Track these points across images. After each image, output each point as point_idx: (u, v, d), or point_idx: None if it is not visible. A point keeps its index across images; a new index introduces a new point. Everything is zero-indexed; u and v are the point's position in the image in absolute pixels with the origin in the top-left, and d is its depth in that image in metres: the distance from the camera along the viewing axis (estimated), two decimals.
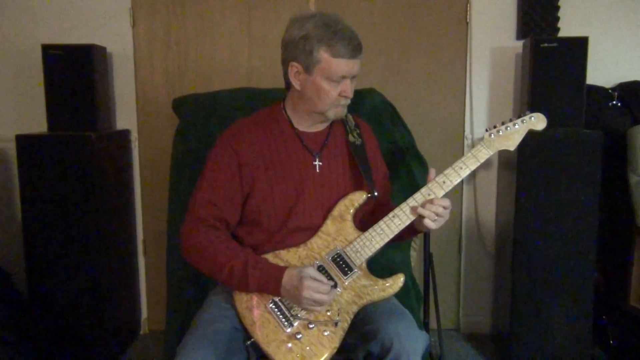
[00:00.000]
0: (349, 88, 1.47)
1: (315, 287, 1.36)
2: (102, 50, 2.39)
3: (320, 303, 1.38)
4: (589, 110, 2.33)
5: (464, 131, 2.58)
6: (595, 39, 2.25)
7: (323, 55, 1.42)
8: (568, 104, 2.19)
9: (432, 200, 1.44)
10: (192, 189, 1.53)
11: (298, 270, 1.39)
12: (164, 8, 2.52)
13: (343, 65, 1.43)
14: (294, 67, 1.47)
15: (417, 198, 1.46)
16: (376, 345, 1.34)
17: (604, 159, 2.11)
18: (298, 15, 1.47)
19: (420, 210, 1.43)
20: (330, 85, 1.45)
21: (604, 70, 2.45)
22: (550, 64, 2.19)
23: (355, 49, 1.43)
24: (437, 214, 1.43)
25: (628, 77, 2.46)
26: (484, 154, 1.49)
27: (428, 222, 1.43)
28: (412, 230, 1.52)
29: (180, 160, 2.06)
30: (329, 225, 1.51)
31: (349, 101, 1.52)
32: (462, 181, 1.49)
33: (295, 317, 1.41)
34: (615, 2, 2.47)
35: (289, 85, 1.52)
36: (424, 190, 1.47)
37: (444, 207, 1.44)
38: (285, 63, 1.50)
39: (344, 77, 1.45)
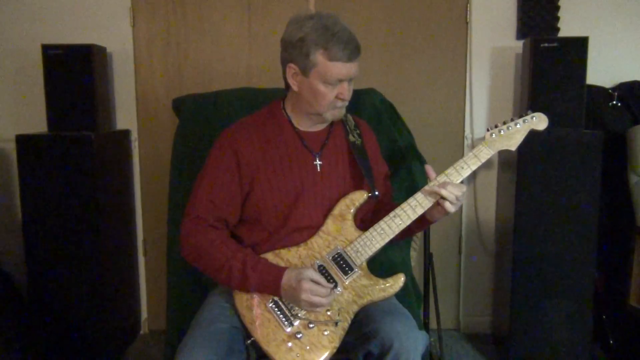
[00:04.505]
0: (345, 91, 1.47)
1: (313, 290, 1.36)
2: (102, 50, 2.39)
3: (318, 306, 1.38)
4: (589, 110, 2.33)
5: (464, 131, 2.58)
6: (595, 39, 2.25)
7: (319, 58, 1.41)
8: (568, 104, 2.19)
9: (452, 183, 1.43)
10: (192, 188, 1.53)
11: (297, 271, 1.39)
12: (164, 8, 2.52)
13: (340, 68, 1.42)
14: (292, 69, 1.47)
15: (418, 198, 1.46)
16: (376, 345, 1.34)
17: (604, 159, 2.11)
18: (297, 16, 1.47)
19: (444, 192, 1.41)
20: (327, 88, 1.45)
21: (604, 70, 2.45)
22: (550, 64, 2.19)
23: (352, 52, 1.42)
24: (456, 198, 1.42)
25: (628, 77, 2.46)
26: (485, 153, 1.48)
27: (448, 205, 1.42)
28: (422, 222, 1.51)
29: (180, 160, 2.05)
30: (329, 225, 1.51)
31: (346, 103, 1.52)
32: (462, 181, 1.49)
33: (296, 316, 1.41)
34: (615, 2, 2.47)
35: (288, 85, 1.52)
36: (440, 177, 1.46)
37: (462, 192, 1.43)
38: (283, 64, 1.50)
39: (340, 80, 1.45)
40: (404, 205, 1.47)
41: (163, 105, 2.55)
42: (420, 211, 1.46)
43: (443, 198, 1.42)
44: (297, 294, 1.37)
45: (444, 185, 1.43)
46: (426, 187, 1.46)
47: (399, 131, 2.10)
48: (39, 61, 2.26)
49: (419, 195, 1.47)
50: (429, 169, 1.49)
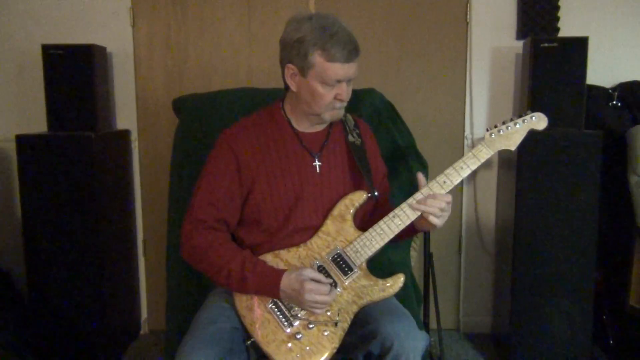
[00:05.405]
0: (344, 92, 1.46)
1: (316, 289, 1.36)
2: (102, 50, 2.39)
3: (322, 304, 1.38)
4: (589, 110, 2.33)
5: (464, 131, 2.58)
6: (595, 39, 2.25)
7: (318, 59, 1.41)
8: (568, 104, 2.19)
9: (435, 196, 1.43)
10: (192, 189, 1.53)
11: (296, 273, 1.39)
12: (164, 8, 2.52)
13: (338, 69, 1.41)
14: (290, 69, 1.47)
15: (417, 198, 1.46)
16: (376, 345, 1.34)
17: (604, 159, 2.11)
18: (295, 16, 1.46)
19: (424, 208, 1.42)
20: (325, 89, 1.44)
21: (604, 70, 2.45)
22: (550, 64, 2.19)
23: (350, 53, 1.41)
24: (441, 210, 1.42)
25: (628, 77, 2.46)
26: (484, 153, 1.48)
27: (433, 219, 1.42)
28: (412, 230, 1.52)
29: (180, 160, 2.05)
30: (329, 225, 1.51)
31: (345, 104, 1.51)
32: (462, 181, 1.49)
33: (295, 317, 1.41)
34: (615, 2, 2.47)
35: (287, 85, 1.52)
36: (424, 190, 1.47)
37: (447, 203, 1.43)
38: (282, 64, 1.50)
39: (339, 81, 1.44)
40: (404, 205, 1.47)
41: (163, 105, 2.55)
42: (416, 213, 1.46)
43: (427, 213, 1.42)
44: (300, 296, 1.37)
45: (425, 200, 1.43)
46: (410, 200, 1.45)
47: (399, 131, 2.10)
48: (39, 61, 2.26)
49: (418, 196, 1.46)
50: (420, 177, 1.48)
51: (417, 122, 2.44)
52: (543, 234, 2.16)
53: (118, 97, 2.57)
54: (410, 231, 1.51)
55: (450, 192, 1.47)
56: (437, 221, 1.42)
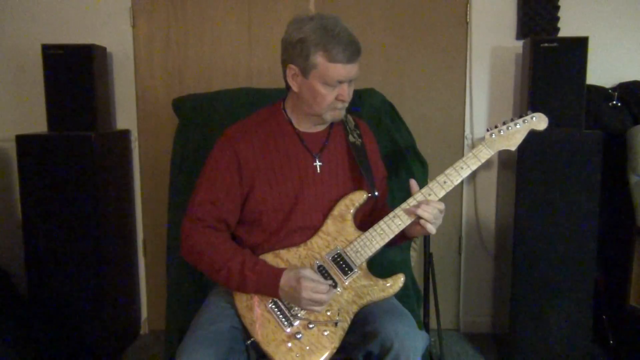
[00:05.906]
0: (345, 92, 1.46)
1: (313, 287, 1.36)
2: (102, 50, 2.39)
3: (320, 302, 1.38)
4: (589, 110, 2.33)
5: (464, 131, 2.58)
6: (595, 39, 2.25)
7: (319, 59, 1.41)
8: (568, 104, 2.19)
9: (428, 202, 1.44)
10: (192, 188, 1.53)
11: (295, 271, 1.39)
12: (164, 8, 2.52)
13: (340, 70, 1.42)
14: (292, 70, 1.47)
15: (417, 198, 1.46)
16: (376, 345, 1.35)
17: (604, 159, 2.11)
18: (297, 16, 1.47)
19: (420, 212, 1.42)
20: (326, 90, 1.45)
21: (604, 70, 2.45)
22: (550, 64, 2.19)
23: (352, 53, 1.41)
24: (434, 216, 1.43)
25: (628, 77, 2.46)
26: (485, 153, 1.48)
27: (428, 226, 1.43)
28: (403, 237, 1.52)
29: (180, 160, 2.06)
30: (329, 225, 1.51)
31: (346, 104, 1.51)
32: (462, 181, 1.49)
33: (295, 316, 1.41)
34: (615, 2, 2.47)
35: (288, 85, 1.52)
36: (424, 190, 1.47)
37: (440, 210, 1.44)
38: (283, 64, 1.50)
39: (340, 82, 1.45)
40: (404, 205, 1.47)
41: (163, 105, 2.55)
42: (410, 218, 1.46)
43: (421, 218, 1.43)
44: (298, 293, 1.37)
45: (420, 205, 1.43)
46: (404, 205, 1.46)
47: (399, 131, 2.10)
48: (39, 61, 2.26)
49: (419, 196, 1.47)
50: (412, 183, 1.49)
51: (417, 122, 2.44)
52: (543, 233, 2.16)
53: (118, 97, 2.57)
54: (401, 238, 1.52)
55: (451, 192, 1.48)
56: (430, 227, 1.43)
